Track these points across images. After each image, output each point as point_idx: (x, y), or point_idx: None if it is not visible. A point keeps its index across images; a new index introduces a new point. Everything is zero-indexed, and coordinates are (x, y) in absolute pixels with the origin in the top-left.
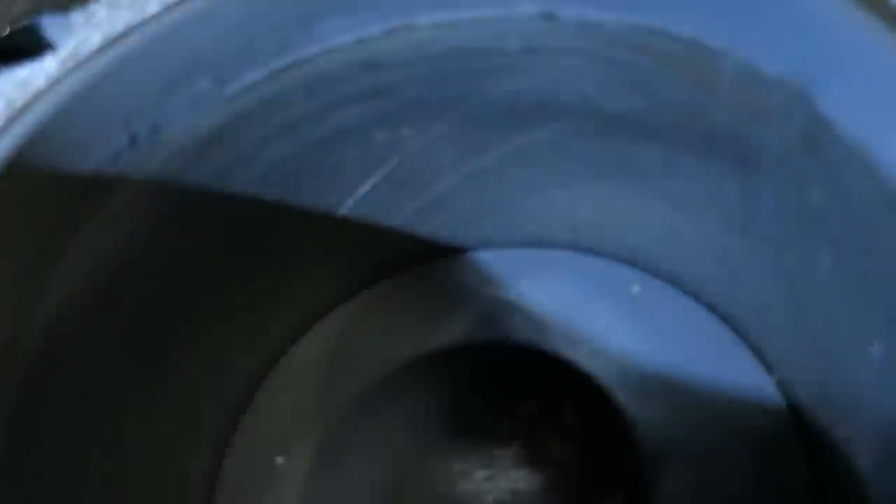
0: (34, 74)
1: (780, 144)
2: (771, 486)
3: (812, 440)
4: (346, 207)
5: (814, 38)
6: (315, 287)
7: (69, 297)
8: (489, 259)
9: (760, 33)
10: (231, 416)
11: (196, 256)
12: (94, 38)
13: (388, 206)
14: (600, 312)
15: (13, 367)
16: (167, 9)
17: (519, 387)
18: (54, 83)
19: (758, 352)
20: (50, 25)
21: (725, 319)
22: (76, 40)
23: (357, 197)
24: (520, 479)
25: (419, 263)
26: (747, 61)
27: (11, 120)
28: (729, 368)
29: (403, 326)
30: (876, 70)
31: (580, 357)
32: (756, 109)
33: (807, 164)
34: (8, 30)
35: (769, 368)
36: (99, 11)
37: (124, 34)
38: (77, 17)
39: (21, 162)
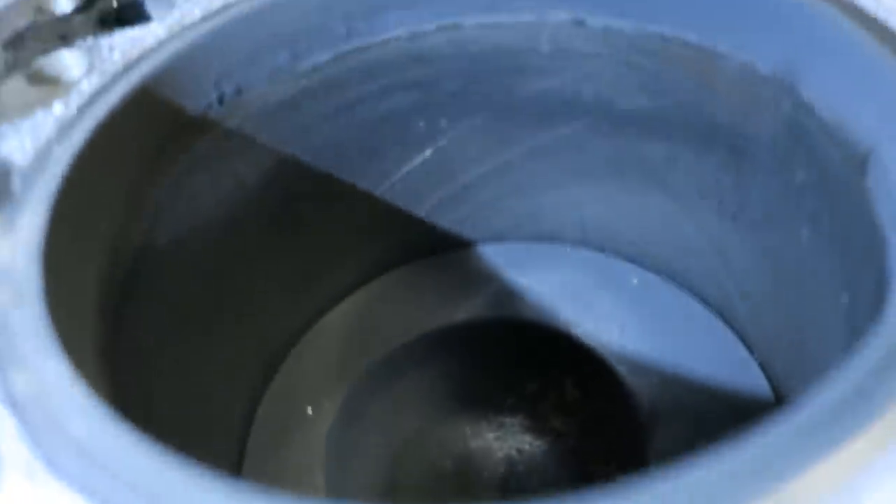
0: (145, 35)
1: (770, 133)
2: None
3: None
4: (384, 189)
5: (798, 40)
6: (349, 263)
7: (154, 226)
8: (504, 250)
9: (757, 39)
10: (268, 369)
11: (257, 217)
12: (196, 12)
13: (419, 192)
14: (603, 299)
15: (117, 269)
16: None
17: (525, 363)
18: (162, 43)
19: (742, 335)
20: (152, 1)
21: (715, 308)
22: (180, 13)
23: (394, 180)
24: (526, 441)
25: (442, 251)
26: (746, 62)
27: (127, 68)
28: (716, 350)
29: (424, 303)
30: (846, 60)
31: (584, 334)
32: (750, 103)
33: (791, 148)
34: (115, 3)
35: (751, 350)
36: None
37: (220, 10)
38: None
39: (132, 103)
